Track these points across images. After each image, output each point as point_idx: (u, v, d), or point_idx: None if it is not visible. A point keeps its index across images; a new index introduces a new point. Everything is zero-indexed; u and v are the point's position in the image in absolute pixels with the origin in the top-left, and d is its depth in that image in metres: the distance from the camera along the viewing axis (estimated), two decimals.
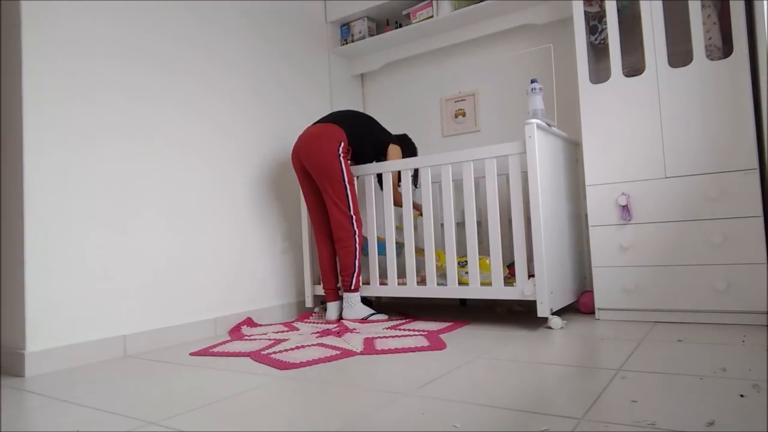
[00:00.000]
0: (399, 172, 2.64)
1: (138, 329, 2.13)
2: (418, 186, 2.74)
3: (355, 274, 2.51)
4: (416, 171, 2.69)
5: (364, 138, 2.61)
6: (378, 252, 2.65)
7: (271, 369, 1.69)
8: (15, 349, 1.84)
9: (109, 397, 1.48)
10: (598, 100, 2.30)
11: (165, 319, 2.24)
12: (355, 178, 2.63)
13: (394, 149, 2.67)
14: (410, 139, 2.88)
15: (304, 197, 2.65)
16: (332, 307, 2.60)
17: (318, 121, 2.61)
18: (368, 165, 2.63)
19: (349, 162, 2.57)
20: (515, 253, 2.22)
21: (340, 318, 2.58)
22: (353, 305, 2.52)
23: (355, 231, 2.49)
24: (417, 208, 2.74)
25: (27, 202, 1.84)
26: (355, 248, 2.50)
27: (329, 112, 2.87)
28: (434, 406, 1.24)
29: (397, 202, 2.64)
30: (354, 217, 2.49)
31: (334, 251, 2.63)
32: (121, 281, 2.09)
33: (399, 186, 2.67)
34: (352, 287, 2.51)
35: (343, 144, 2.50)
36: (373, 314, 2.51)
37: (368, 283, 2.63)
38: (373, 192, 2.65)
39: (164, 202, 2.28)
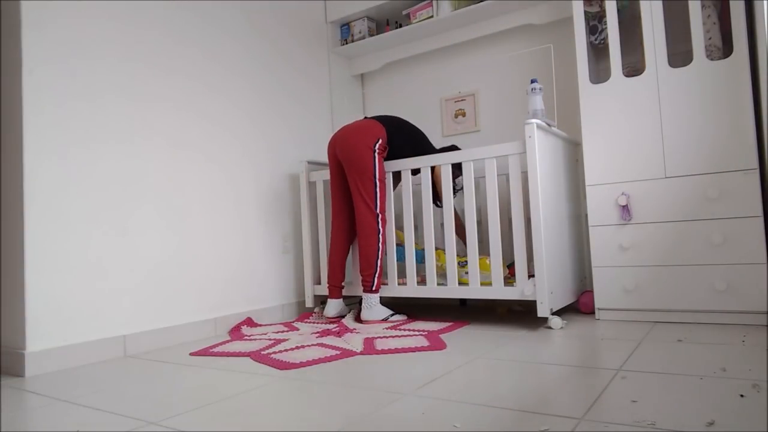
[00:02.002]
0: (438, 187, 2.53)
1: (138, 329, 2.13)
2: (456, 195, 2.62)
3: (377, 275, 2.43)
4: (456, 179, 2.60)
5: (406, 147, 2.55)
6: (396, 258, 2.58)
7: (271, 369, 1.69)
8: (15, 349, 1.84)
9: (109, 397, 1.48)
10: (598, 100, 2.30)
11: (165, 319, 2.24)
12: (389, 174, 2.55)
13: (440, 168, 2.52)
14: (459, 149, 2.68)
15: (332, 189, 2.60)
16: (332, 304, 2.55)
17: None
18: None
19: (383, 160, 2.50)
20: (515, 253, 2.22)
21: (340, 317, 2.57)
22: (372, 306, 2.44)
23: (379, 229, 2.42)
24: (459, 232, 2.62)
25: (27, 202, 1.84)
26: (378, 247, 2.42)
27: (368, 114, 2.81)
28: (434, 406, 1.24)
29: (459, 231, 2.57)
30: (380, 215, 2.43)
31: (348, 249, 2.60)
32: (122, 281, 2.09)
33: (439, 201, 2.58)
34: (373, 288, 2.43)
35: (380, 141, 2.45)
36: (392, 315, 2.45)
37: None
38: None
39: (164, 202, 2.28)
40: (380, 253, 2.43)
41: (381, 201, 2.44)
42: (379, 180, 2.43)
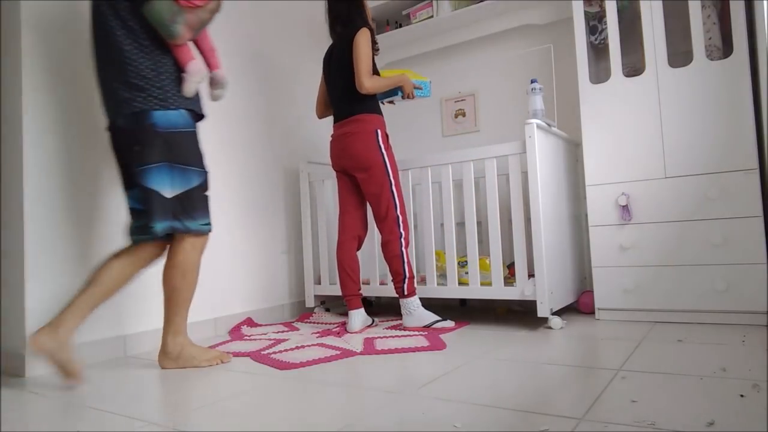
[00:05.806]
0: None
1: (138, 329, 2.13)
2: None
3: (407, 279, 2.25)
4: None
5: (342, 87, 2.31)
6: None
7: (271, 369, 1.69)
8: (15, 350, 1.83)
9: (110, 397, 1.48)
10: (598, 100, 2.30)
11: None
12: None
13: (362, 36, 2.26)
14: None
15: (338, 188, 2.41)
16: (355, 316, 2.29)
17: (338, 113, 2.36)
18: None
19: (391, 149, 2.32)
20: (515, 253, 2.22)
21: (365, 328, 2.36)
22: (412, 312, 2.25)
23: (401, 233, 2.26)
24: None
25: (27, 201, 1.84)
26: (401, 252, 2.25)
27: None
28: (434, 406, 1.24)
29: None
30: (400, 217, 2.27)
31: (358, 249, 2.40)
32: None
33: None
34: (405, 293, 2.26)
35: (379, 131, 2.26)
36: (438, 321, 2.24)
37: (368, 283, 2.63)
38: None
39: None
40: (405, 257, 2.25)
41: (399, 201, 2.28)
42: (393, 177, 2.27)
